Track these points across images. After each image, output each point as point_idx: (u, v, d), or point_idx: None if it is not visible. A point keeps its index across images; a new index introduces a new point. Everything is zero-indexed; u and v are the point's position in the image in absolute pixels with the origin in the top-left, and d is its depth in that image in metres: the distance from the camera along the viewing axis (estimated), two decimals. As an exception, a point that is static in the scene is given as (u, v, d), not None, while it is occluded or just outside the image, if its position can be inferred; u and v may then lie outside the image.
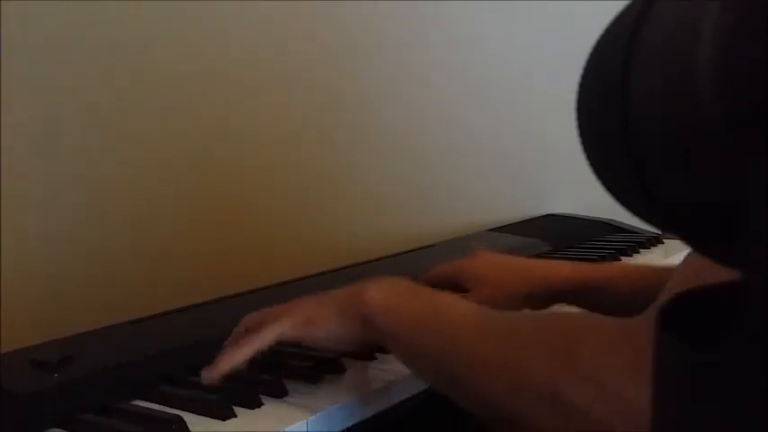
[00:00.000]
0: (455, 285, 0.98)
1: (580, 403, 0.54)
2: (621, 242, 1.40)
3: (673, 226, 0.34)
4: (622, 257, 1.31)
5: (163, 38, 1.11)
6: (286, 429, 0.68)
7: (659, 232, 1.44)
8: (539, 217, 1.64)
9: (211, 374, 0.70)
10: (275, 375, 0.77)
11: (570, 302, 0.99)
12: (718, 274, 0.31)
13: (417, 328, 0.67)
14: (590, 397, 0.54)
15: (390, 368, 0.80)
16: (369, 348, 0.81)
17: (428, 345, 0.66)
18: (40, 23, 0.97)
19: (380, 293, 0.70)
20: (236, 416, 0.70)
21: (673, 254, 1.32)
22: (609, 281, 0.94)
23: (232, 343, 0.76)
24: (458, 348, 0.63)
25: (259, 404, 0.72)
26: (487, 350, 0.61)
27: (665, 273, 0.90)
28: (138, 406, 0.74)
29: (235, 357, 0.71)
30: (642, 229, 1.48)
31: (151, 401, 0.74)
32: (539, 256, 1.26)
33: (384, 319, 0.69)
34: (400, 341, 0.69)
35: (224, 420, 0.70)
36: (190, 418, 0.69)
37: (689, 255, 0.56)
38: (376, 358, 0.83)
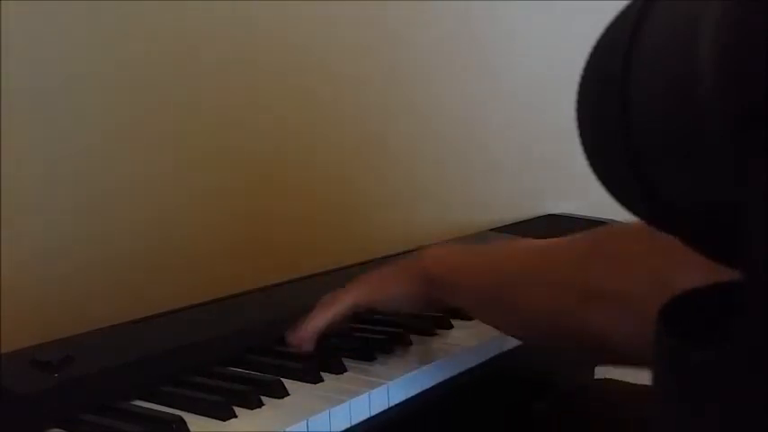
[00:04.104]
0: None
1: (608, 286, 0.61)
2: (622, 242, 1.40)
3: (672, 226, 0.34)
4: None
5: (166, 37, 1.10)
6: (286, 430, 0.68)
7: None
8: (539, 217, 1.63)
9: (294, 337, 0.77)
10: (275, 375, 0.77)
11: None
12: (724, 275, 0.31)
13: (476, 269, 0.75)
14: (618, 278, 0.61)
15: (391, 368, 0.80)
16: (437, 308, 0.89)
17: (487, 280, 0.73)
18: (41, 23, 0.97)
19: (439, 251, 0.80)
20: (236, 416, 0.70)
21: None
22: None
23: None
24: (511, 270, 0.71)
25: (259, 404, 0.72)
26: (535, 263, 0.70)
27: None
28: (139, 406, 0.74)
29: (315, 321, 0.77)
30: (642, 229, 1.48)
31: (151, 401, 0.74)
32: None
33: (446, 272, 0.76)
34: (462, 287, 0.76)
35: (224, 421, 0.70)
36: (190, 419, 0.69)
37: None
38: (376, 358, 0.83)
